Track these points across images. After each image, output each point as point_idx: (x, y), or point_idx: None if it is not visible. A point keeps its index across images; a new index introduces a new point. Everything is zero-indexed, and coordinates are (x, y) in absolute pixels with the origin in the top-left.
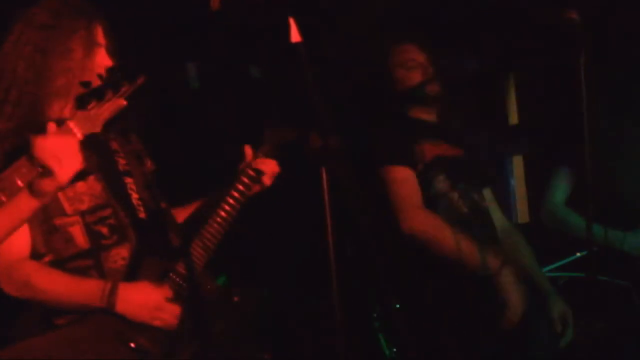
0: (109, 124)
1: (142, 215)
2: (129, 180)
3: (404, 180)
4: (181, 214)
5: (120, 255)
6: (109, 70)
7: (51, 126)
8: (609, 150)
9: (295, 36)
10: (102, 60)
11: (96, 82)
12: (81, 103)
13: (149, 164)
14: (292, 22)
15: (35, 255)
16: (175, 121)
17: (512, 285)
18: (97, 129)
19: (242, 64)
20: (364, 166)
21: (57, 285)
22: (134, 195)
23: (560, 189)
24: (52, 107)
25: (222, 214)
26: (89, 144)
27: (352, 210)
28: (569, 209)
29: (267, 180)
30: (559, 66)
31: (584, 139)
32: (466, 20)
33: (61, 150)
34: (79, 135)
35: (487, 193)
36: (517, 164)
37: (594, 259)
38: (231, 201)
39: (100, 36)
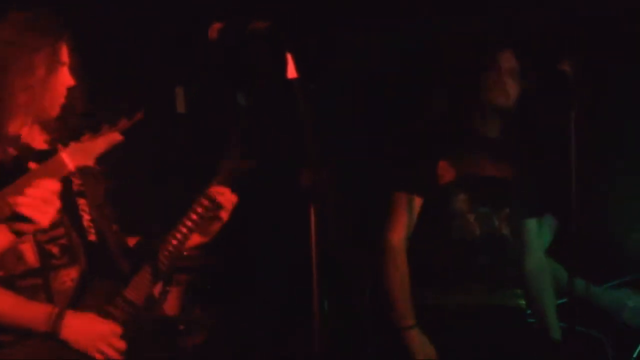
0: (102, 157)
1: (92, 237)
2: (81, 201)
3: (399, 209)
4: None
5: (69, 276)
6: (106, 102)
7: (33, 166)
8: (595, 202)
9: (292, 72)
10: (65, 79)
11: (91, 114)
12: (75, 134)
13: (103, 185)
14: (289, 57)
15: None
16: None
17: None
18: (90, 162)
19: (230, 91)
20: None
21: (3, 304)
22: (85, 217)
23: (542, 237)
24: (12, 123)
25: (174, 242)
26: (47, 157)
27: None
28: (550, 258)
29: (224, 214)
30: (548, 115)
31: (572, 191)
32: None
33: (43, 198)
34: (71, 167)
35: (531, 224)
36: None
37: (572, 309)
38: (184, 229)
39: (64, 55)
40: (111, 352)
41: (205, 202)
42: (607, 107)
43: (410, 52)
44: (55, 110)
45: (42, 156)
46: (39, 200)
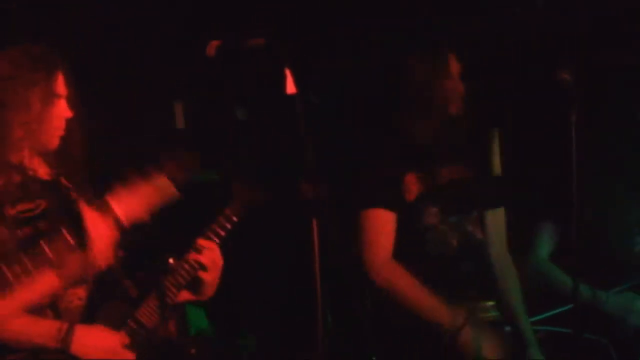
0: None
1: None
2: None
3: (376, 226)
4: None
5: (76, 295)
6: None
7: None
8: (595, 207)
9: (290, 87)
10: (62, 111)
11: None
12: (77, 165)
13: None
14: (288, 73)
15: None
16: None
17: (469, 346)
18: (143, 214)
19: (229, 106)
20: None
21: (13, 322)
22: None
23: (545, 244)
24: (12, 155)
25: (180, 279)
26: (49, 189)
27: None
28: (553, 265)
29: (205, 275)
30: (548, 121)
31: (573, 197)
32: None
33: (98, 252)
34: (122, 217)
35: (490, 216)
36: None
37: (578, 315)
38: (169, 285)
39: (60, 86)
40: None
41: (192, 262)
42: (605, 110)
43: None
44: (53, 143)
45: (47, 187)
46: (97, 253)
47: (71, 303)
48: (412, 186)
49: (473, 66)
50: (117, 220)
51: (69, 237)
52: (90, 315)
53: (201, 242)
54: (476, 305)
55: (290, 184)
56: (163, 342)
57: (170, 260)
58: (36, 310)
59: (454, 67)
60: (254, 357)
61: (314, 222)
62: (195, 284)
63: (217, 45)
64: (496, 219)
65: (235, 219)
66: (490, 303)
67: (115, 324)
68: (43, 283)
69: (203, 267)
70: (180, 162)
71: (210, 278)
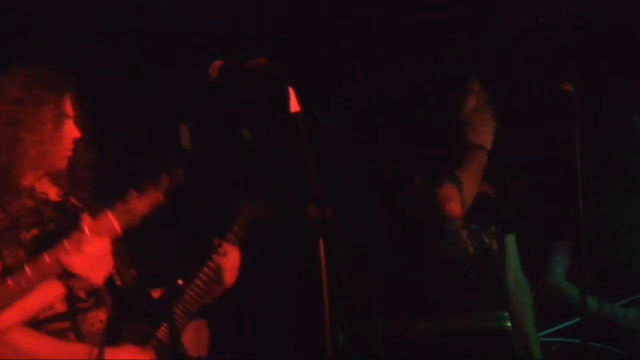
0: (146, 217)
1: (117, 282)
2: None
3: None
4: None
5: (97, 318)
6: (151, 164)
7: (86, 218)
8: (608, 223)
9: (294, 106)
10: (70, 131)
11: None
12: (121, 195)
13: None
14: (291, 91)
15: None
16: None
17: None
18: (135, 221)
19: (235, 128)
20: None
21: (41, 348)
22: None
23: (560, 264)
24: (26, 177)
25: (190, 300)
26: (61, 210)
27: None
28: (570, 283)
29: (225, 277)
30: (555, 137)
31: (579, 212)
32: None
33: (95, 259)
34: (117, 228)
35: (510, 240)
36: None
37: (588, 326)
38: (192, 293)
39: (68, 107)
40: None
41: (212, 265)
42: (607, 121)
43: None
44: (63, 163)
45: (58, 208)
46: (94, 260)
47: (93, 326)
48: None
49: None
50: (116, 235)
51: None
52: (112, 336)
53: (225, 245)
54: (483, 315)
55: (296, 204)
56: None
57: (180, 282)
58: (54, 334)
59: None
60: None
61: (321, 243)
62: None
63: (220, 66)
64: (513, 241)
65: (242, 235)
66: (506, 313)
67: (139, 345)
68: (46, 294)
69: (223, 272)
70: (175, 179)
71: (229, 282)
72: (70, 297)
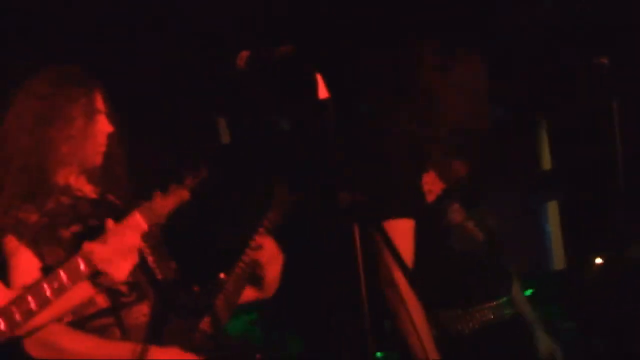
0: (172, 216)
1: (159, 276)
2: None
3: (400, 236)
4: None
5: (141, 312)
6: (174, 162)
7: (110, 223)
8: None
9: (322, 92)
10: (103, 126)
11: (161, 173)
12: (146, 193)
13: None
14: (319, 77)
15: None
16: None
17: None
18: (161, 220)
19: (272, 118)
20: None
21: (84, 347)
22: (149, 258)
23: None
24: (58, 175)
25: (232, 292)
26: (98, 207)
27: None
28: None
29: (263, 272)
30: (592, 110)
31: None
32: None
33: (119, 253)
34: (145, 226)
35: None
36: (552, 210)
37: None
38: (230, 287)
39: (100, 103)
40: None
41: (246, 260)
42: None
43: None
44: (98, 159)
45: (96, 205)
46: (118, 257)
47: (137, 320)
48: (432, 186)
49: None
50: (144, 233)
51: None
52: (155, 331)
53: (258, 239)
54: (505, 302)
55: (328, 191)
56: (228, 349)
57: (222, 275)
58: (98, 331)
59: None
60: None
61: (355, 229)
62: (258, 282)
63: (247, 56)
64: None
65: (278, 223)
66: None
67: (182, 338)
68: (77, 296)
69: (261, 264)
70: (200, 177)
71: (273, 273)
72: (113, 294)
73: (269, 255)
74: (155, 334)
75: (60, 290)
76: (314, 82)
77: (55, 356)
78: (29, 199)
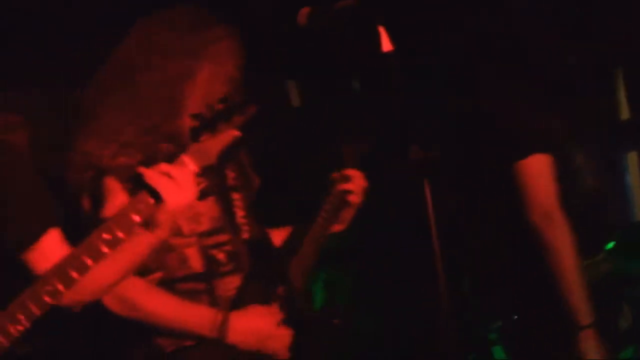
0: (222, 155)
1: (245, 235)
2: (236, 196)
3: (540, 174)
4: (275, 237)
5: (233, 284)
6: (221, 101)
7: (162, 165)
8: None
9: (386, 45)
10: (234, 72)
11: (207, 114)
12: (195, 135)
13: (255, 180)
14: (382, 30)
15: (145, 270)
16: (277, 140)
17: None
18: (212, 161)
19: (343, 78)
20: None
21: (165, 308)
22: (239, 213)
23: None
24: (184, 117)
25: (314, 235)
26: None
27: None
28: None
29: (355, 198)
30: None
31: None
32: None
33: (173, 178)
34: (194, 168)
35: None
36: (632, 160)
37: None
38: (321, 221)
39: (237, 47)
40: (280, 345)
41: (337, 194)
42: None
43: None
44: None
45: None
46: (166, 180)
47: (227, 292)
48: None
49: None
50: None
51: (148, 197)
52: (240, 299)
53: (347, 171)
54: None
55: (400, 145)
56: (308, 312)
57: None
58: (187, 294)
59: None
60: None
61: (426, 183)
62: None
63: (308, 12)
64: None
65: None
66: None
67: (262, 302)
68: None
69: (348, 191)
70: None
71: (358, 201)
72: (209, 260)
73: (359, 184)
74: (237, 305)
75: (114, 243)
76: (377, 35)
77: (133, 313)
78: (136, 144)
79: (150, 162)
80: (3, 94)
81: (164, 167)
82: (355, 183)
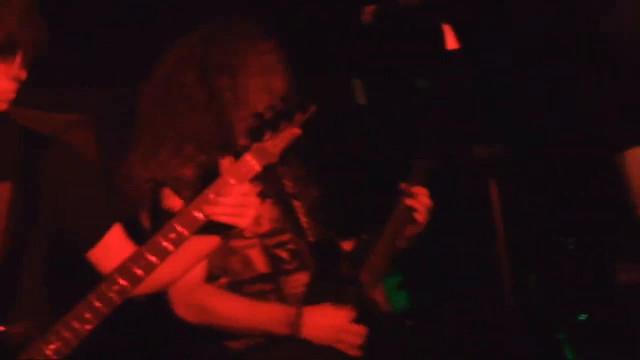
0: (284, 154)
1: (310, 239)
2: (297, 203)
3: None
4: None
5: (300, 281)
6: (282, 100)
7: (225, 163)
8: None
9: (451, 43)
10: (280, 84)
11: (269, 113)
12: (256, 135)
13: (314, 188)
14: (447, 28)
15: (211, 277)
16: (342, 139)
17: None
18: (274, 159)
19: (408, 76)
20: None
21: (237, 309)
22: (302, 219)
23: None
24: (238, 129)
25: (383, 247)
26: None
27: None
28: None
29: (419, 217)
30: None
31: None
32: None
33: (239, 203)
34: (258, 168)
35: None
36: None
37: None
38: (389, 233)
39: (279, 59)
40: (353, 339)
41: (403, 211)
42: None
43: None
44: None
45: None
46: (237, 207)
47: (295, 289)
48: None
49: None
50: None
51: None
52: (310, 299)
53: (413, 188)
54: None
55: (464, 145)
56: (381, 311)
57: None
58: (255, 296)
59: None
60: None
61: (492, 183)
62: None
63: (373, 10)
64: None
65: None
66: None
67: (336, 302)
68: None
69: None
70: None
71: (422, 220)
72: (274, 259)
73: (423, 203)
74: (309, 302)
75: (179, 241)
76: (442, 33)
77: (206, 318)
78: (193, 157)
79: (207, 174)
80: (66, 92)
81: (229, 197)
82: (420, 201)
